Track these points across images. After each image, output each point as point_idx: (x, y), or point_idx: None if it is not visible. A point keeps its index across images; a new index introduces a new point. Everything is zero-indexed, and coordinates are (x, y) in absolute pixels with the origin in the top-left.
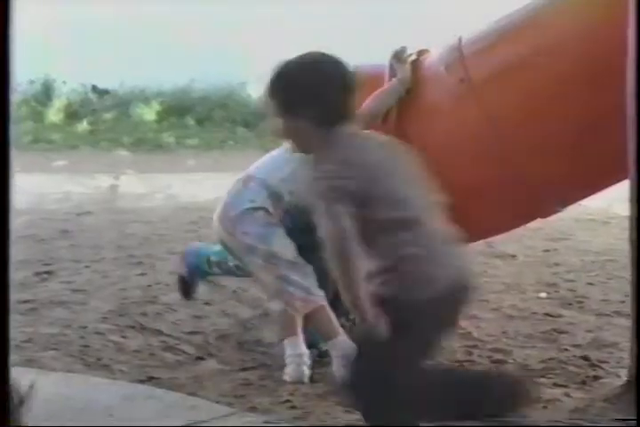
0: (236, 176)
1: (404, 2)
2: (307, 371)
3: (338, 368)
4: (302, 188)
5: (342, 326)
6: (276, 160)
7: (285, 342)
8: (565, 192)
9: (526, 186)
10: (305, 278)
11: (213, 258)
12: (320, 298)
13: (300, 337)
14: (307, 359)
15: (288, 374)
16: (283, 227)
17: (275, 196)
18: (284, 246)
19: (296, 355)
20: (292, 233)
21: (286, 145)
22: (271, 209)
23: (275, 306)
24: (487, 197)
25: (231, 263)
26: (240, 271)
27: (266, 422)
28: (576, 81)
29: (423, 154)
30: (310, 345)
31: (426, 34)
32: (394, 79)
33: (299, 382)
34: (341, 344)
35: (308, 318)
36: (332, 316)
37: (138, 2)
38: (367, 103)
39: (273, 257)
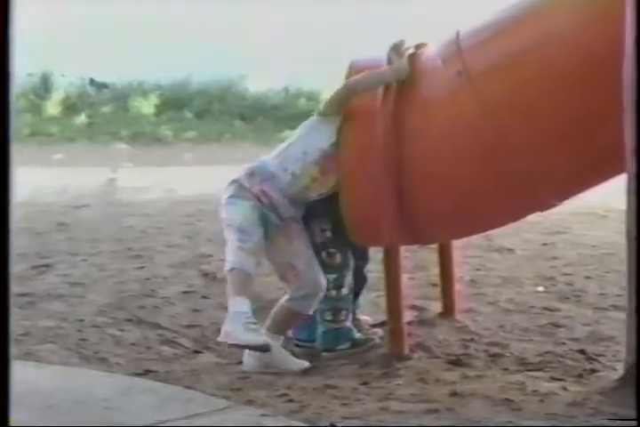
0: (233, 169)
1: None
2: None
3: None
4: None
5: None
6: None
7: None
8: (563, 186)
9: (524, 179)
10: (242, 243)
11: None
12: (239, 262)
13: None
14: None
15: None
16: (254, 200)
17: (259, 172)
18: (237, 215)
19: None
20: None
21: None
22: (246, 183)
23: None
24: (485, 190)
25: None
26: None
27: (262, 416)
28: (573, 74)
29: (421, 146)
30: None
31: (425, 34)
32: (389, 67)
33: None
34: (235, 304)
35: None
36: (247, 281)
37: None
38: (350, 79)
39: (227, 225)
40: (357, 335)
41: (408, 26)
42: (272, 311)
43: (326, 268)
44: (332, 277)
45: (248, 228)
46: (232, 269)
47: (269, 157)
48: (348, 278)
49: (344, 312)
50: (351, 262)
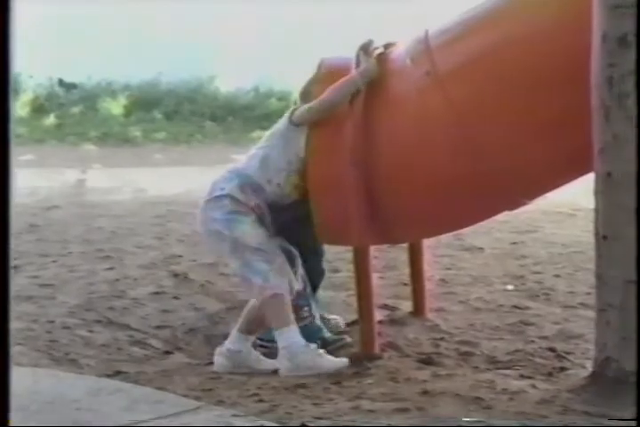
0: (204, 170)
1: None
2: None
3: (281, 359)
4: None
5: (304, 317)
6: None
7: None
8: (533, 184)
9: (493, 178)
10: (269, 265)
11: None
12: (278, 287)
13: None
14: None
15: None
16: (254, 215)
17: (248, 185)
18: (249, 234)
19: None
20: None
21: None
22: (240, 197)
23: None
24: (454, 189)
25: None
26: None
27: (234, 416)
28: (543, 73)
29: (389, 146)
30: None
31: (394, 33)
32: (354, 71)
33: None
34: (289, 335)
35: (261, 305)
36: (288, 306)
37: None
38: (327, 93)
39: (237, 243)
40: (327, 335)
41: (378, 25)
42: (244, 312)
43: None
44: None
45: (267, 246)
46: (275, 295)
47: (247, 166)
48: (298, 275)
49: (306, 308)
50: (297, 259)
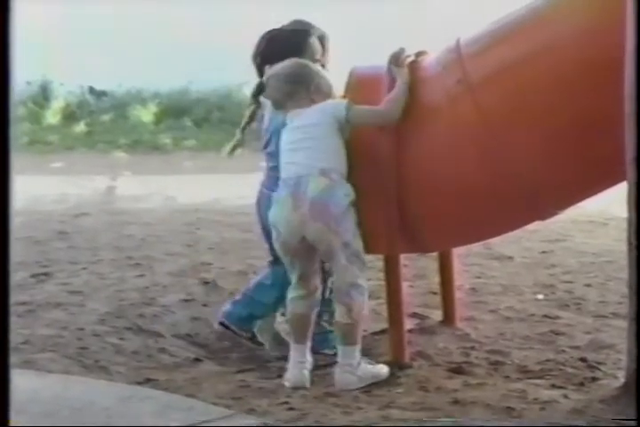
0: (233, 178)
1: (403, 3)
2: (307, 377)
3: (344, 374)
4: None
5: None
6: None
7: (293, 346)
8: (564, 194)
9: (525, 187)
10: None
11: None
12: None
13: (308, 345)
14: (309, 366)
15: (289, 379)
16: None
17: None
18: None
19: (300, 362)
20: None
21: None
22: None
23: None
24: (485, 198)
25: None
26: None
27: (264, 424)
28: (574, 81)
29: (421, 154)
30: (314, 351)
31: (428, 36)
32: (401, 84)
33: (300, 387)
34: (357, 353)
35: (358, 322)
36: None
37: (135, 3)
38: (386, 106)
39: (356, 256)
40: None
41: (406, 28)
42: (296, 323)
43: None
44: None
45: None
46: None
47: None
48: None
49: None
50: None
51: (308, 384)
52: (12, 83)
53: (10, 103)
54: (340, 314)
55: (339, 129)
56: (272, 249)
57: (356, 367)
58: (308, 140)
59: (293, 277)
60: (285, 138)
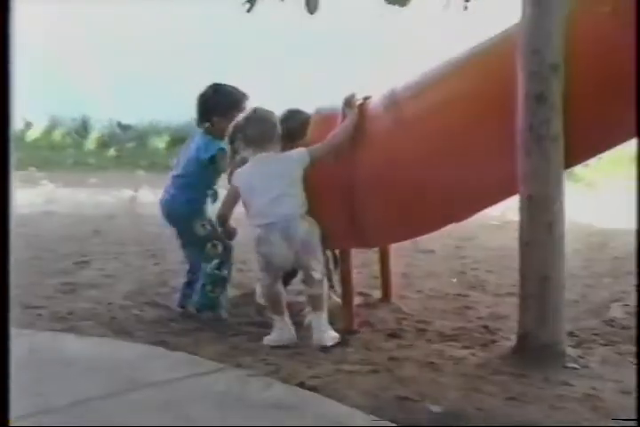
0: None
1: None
2: (285, 338)
3: (319, 333)
4: None
5: None
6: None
7: (273, 317)
8: (473, 204)
9: (444, 199)
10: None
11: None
12: None
13: (286, 314)
14: (287, 330)
15: (271, 340)
16: None
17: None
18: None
19: (279, 327)
20: None
21: None
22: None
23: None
24: (415, 206)
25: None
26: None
27: (249, 376)
28: (482, 119)
29: (368, 175)
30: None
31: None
32: (347, 121)
33: (280, 346)
34: (325, 318)
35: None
36: None
37: (147, 53)
38: (332, 138)
39: (321, 266)
40: None
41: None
42: (280, 298)
43: (209, 256)
44: (215, 262)
45: None
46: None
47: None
48: (229, 263)
49: (219, 287)
50: (232, 251)
51: (287, 343)
52: (11, 83)
53: (10, 103)
54: (313, 292)
55: (303, 172)
56: (180, 236)
57: (327, 330)
58: (287, 189)
59: (268, 275)
60: (260, 184)
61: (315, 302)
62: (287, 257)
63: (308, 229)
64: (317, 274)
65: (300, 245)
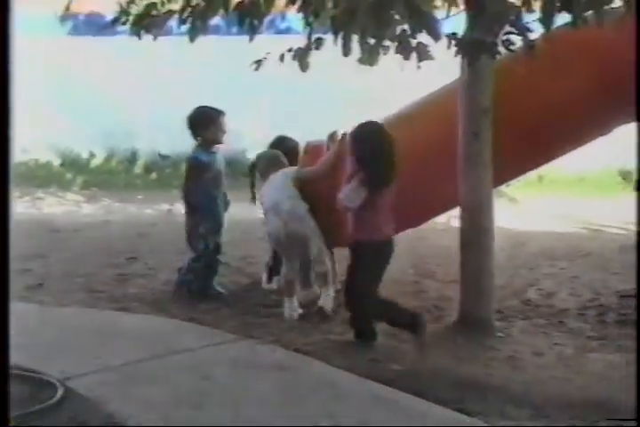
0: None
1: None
2: (295, 316)
3: (325, 299)
4: None
5: None
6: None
7: (285, 299)
8: (426, 213)
9: (405, 207)
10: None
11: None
12: None
13: (295, 297)
14: (295, 309)
15: (286, 316)
16: None
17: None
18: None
19: (289, 306)
20: None
21: None
22: None
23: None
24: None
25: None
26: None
27: (258, 344)
28: (431, 151)
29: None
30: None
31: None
32: (330, 153)
33: (289, 320)
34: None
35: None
36: None
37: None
38: (320, 165)
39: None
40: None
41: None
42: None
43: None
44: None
45: None
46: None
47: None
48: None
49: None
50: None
51: (294, 318)
52: (12, 82)
53: (10, 103)
54: (319, 270)
55: (292, 181)
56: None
57: (331, 299)
58: (281, 189)
59: (285, 263)
60: (268, 189)
61: (321, 279)
62: (278, 227)
63: (292, 203)
64: (314, 249)
65: (287, 215)
